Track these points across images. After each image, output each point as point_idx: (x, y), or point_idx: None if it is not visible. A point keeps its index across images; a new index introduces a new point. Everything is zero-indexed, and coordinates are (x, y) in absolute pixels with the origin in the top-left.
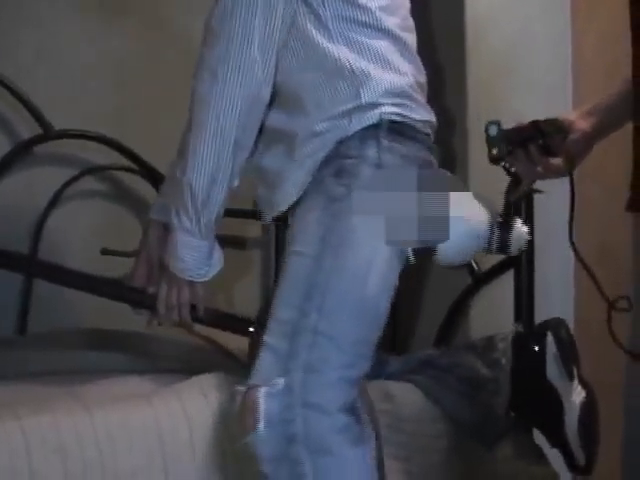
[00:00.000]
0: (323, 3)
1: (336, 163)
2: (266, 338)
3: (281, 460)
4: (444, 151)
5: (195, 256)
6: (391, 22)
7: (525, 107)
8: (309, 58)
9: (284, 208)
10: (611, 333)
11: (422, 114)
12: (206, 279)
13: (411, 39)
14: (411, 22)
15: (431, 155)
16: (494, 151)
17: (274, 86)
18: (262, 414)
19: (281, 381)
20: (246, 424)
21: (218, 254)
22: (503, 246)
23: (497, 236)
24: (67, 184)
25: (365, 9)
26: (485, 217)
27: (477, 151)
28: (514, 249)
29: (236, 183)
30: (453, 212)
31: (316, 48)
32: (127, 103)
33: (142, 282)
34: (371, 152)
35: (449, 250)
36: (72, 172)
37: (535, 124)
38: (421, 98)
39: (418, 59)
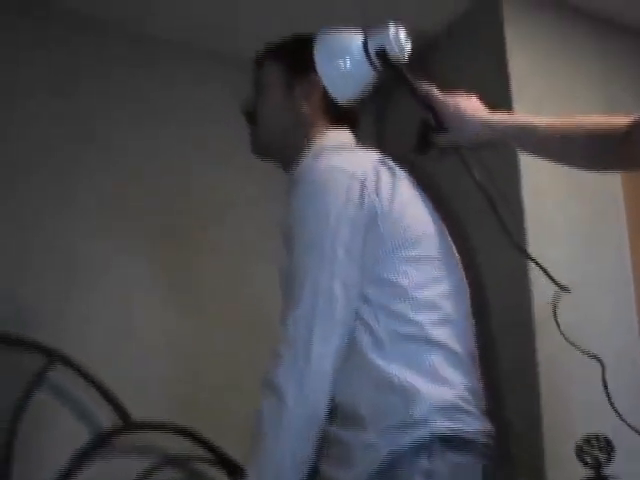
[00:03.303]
0: (377, 318)
1: (389, 474)
2: None
3: None
4: None
5: None
6: (442, 334)
7: None
8: (364, 373)
9: None
10: None
11: (475, 425)
12: None
13: (466, 347)
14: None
15: (490, 463)
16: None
17: (333, 401)
18: None
19: None
20: None
21: None
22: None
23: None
24: (146, 474)
25: (416, 323)
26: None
27: None
28: (394, 53)
29: None
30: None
31: (370, 363)
32: (196, 389)
33: None
34: (423, 461)
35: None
36: (147, 461)
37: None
38: (474, 408)
39: (470, 364)
